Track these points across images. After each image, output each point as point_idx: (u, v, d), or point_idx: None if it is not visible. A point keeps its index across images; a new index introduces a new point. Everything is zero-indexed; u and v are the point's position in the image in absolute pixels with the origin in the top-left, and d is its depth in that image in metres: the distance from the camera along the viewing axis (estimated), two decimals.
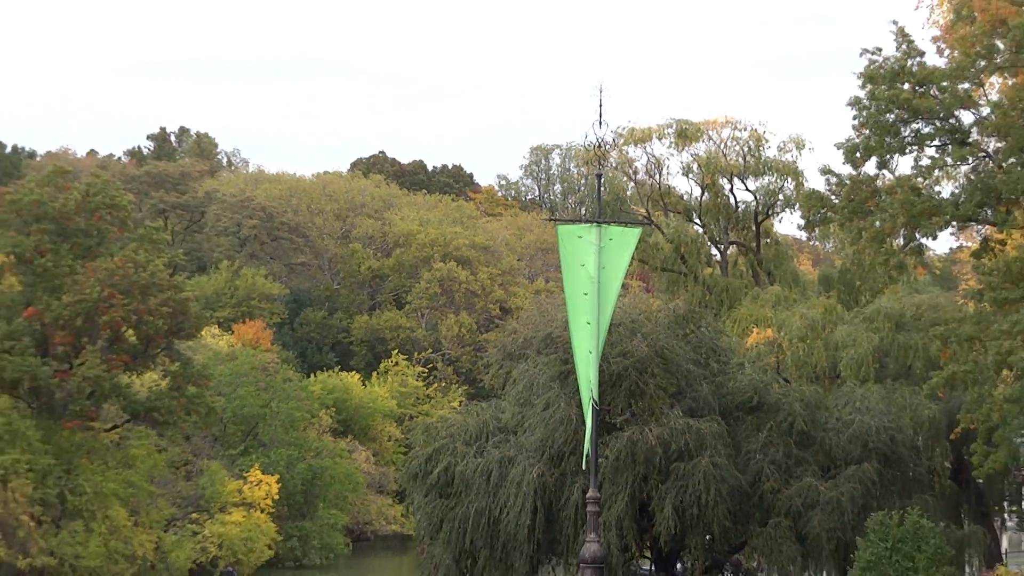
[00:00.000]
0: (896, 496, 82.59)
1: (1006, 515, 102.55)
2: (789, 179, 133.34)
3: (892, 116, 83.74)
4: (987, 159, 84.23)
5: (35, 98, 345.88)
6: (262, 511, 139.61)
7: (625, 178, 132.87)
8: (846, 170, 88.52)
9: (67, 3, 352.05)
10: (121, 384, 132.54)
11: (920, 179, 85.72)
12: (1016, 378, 77.24)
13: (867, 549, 74.71)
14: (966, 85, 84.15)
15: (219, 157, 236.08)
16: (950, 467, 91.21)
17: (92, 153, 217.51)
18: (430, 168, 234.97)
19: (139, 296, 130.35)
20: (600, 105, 74.76)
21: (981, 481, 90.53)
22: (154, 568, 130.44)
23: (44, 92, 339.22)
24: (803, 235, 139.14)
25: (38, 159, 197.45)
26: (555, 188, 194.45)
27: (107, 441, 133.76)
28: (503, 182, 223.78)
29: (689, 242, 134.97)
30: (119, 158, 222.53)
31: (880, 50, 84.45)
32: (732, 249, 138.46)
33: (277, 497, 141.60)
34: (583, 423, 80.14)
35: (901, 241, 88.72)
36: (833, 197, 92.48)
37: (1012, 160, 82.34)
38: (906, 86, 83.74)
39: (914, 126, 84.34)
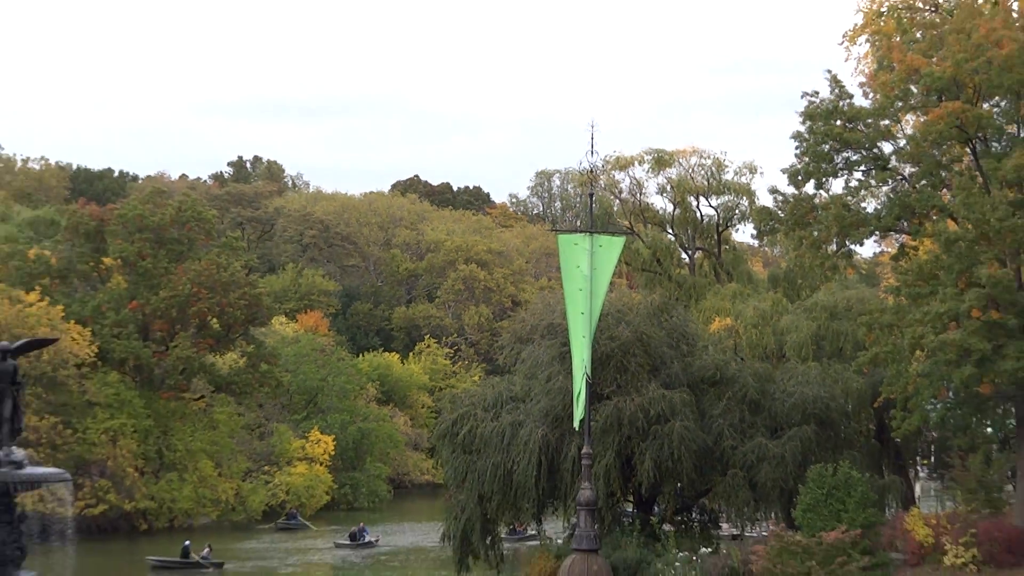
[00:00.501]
0: (830, 452, 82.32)
1: (918, 467, 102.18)
2: (744, 198, 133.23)
3: (827, 147, 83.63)
4: (903, 181, 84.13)
5: (138, 131, 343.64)
6: (320, 464, 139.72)
7: (612, 197, 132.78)
8: (790, 190, 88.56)
9: (163, 51, 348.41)
10: (207, 362, 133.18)
11: (849, 197, 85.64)
12: (927, 357, 76.93)
13: (807, 495, 74.48)
14: (886, 122, 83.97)
15: (285, 180, 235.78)
16: (873, 429, 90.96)
17: (183, 177, 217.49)
18: (455, 189, 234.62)
19: (221, 292, 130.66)
20: (591, 138, 74.20)
21: (899, 440, 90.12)
22: (234, 510, 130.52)
23: (145, 126, 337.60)
24: (755, 242, 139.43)
25: (140, 181, 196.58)
26: (556, 205, 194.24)
27: (196, 408, 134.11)
28: (514, 200, 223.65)
29: (663, 248, 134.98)
30: (205, 181, 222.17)
31: (817, 93, 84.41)
32: (698, 254, 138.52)
33: (332, 453, 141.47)
34: (579, 393, 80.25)
35: (834, 247, 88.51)
36: (779, 212, 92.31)
37: (923, 182, 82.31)
38: (838, 122, 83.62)
39: (844, 155, 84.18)
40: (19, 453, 49.52)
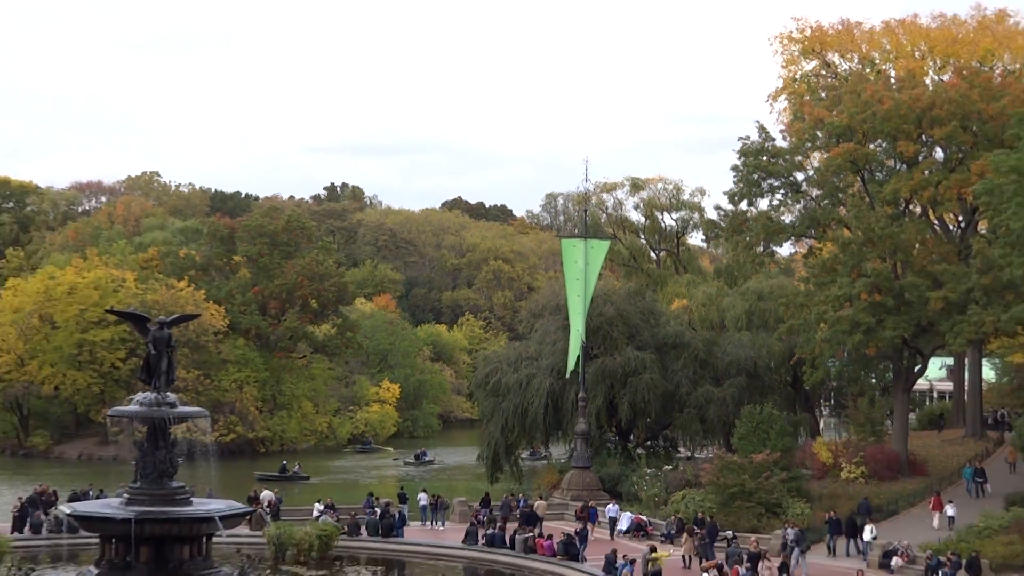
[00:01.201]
0: (758, 396, 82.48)
1: (822, 408, 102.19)
2: (696, 213, 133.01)
3: (756, 176, 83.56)
4: (811, 200, 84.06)
5: (260, 164, 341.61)
6: (389, 405, 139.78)
7: (600, 212, 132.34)
8: (729, 207, 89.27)
9: (278, 106, 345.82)
10: (308, 331, 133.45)
11: (772, 212, 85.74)
12: (828, 328, 76.88)
13: (741, 427, 74.75)
14: (799, 158, 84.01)
15: (365, 200, 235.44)
16: (789, 380, 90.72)
17: (291, 197, 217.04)
18: (487, 206, 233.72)
19: (318, 280, 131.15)
20: (585, 169, 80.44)
21: (807, 388, 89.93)
22: (327, 438, 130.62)
23: (265, 160, 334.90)
24: (704, 245, 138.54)
25: (260, 200, 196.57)
26: (560, 218, 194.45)
27: (299, 364, 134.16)
28: (529, 214, 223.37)
29: (637, 249, 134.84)
30: (307, 200, 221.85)
31: (749, 137, 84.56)
32: (663, 253, 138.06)
33: (398, 396, 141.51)
34: (576, 354, 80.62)
35: (761, 248, 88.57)
36: (721, 223, 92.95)
37: (825, 201, 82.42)
38: (764, 158, 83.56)
39: (768, 181, 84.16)
40: (172, 397, 50.18)
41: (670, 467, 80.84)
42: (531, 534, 60.66)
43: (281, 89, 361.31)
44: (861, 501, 65.48)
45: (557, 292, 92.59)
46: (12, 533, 59.18)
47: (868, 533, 58.94)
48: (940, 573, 53.92)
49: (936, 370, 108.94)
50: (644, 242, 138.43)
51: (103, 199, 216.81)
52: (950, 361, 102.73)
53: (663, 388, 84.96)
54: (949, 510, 65.34)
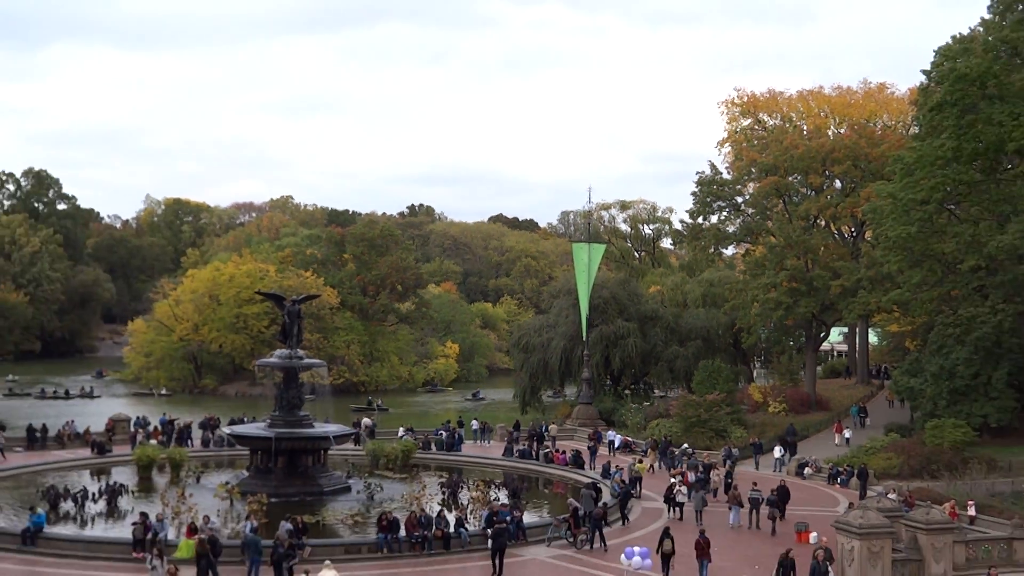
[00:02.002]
0: (710, 354, 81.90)
1: (755, 362, 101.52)
2: (666, 225, 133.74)
3: (709, 199, 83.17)
4: (748, 216, 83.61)
5: (362, 189, 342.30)
6: (451, 359, 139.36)
7: (599, 223, 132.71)
8: (690, 221, 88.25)
9: (376, 148, 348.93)
10: (395, 307, 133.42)
11: (720, 224, 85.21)
12: (759, 306, 76.62)
13: (698, 375, 74.49)
14: (739, 186, 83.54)
15: (435, 215, 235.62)
16: (732, 342, 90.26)
17: (384, 213, 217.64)
18: (520, 219, 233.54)
19: (402, 272, 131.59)
20: (589, 194, 77.07)
21: (745, 348, 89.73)
22: (408, 382, 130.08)
23: (365, 187, 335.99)
24: (672, 247, 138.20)
25: (362, 215, 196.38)
26: (571, 228, 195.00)
27: (389, 330, 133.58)
28: (549, 225, 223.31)
29: (625, 250, 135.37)
30: (395, 215, 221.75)
31: (704, 172, 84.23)
32: (643, 253, 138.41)
33: (457, 353, 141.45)
34: (582, 323, 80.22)
35: (712, 250, 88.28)
36: (684, 232, 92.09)
37: (758, 217, 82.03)
38: (714, 187, 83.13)
39: (718, 203, 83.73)
40: (300, 352, 50.61)
41: (648, 403, 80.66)
42: (547, 449, 61.06)
43: (378, 138, 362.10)
44: (788, 427, 65.25)
45: (569, 281, 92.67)
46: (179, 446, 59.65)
47: (778, 452, 58.79)
48: (839, 479, 53.99)
49: (835, 336, 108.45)
50: (629, 245, 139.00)
51: (253, 215, 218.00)
52: (845, 329, 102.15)
53: (643, 348, 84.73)
54: (847, 434, 65.51)
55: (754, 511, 43.48)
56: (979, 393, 58.96)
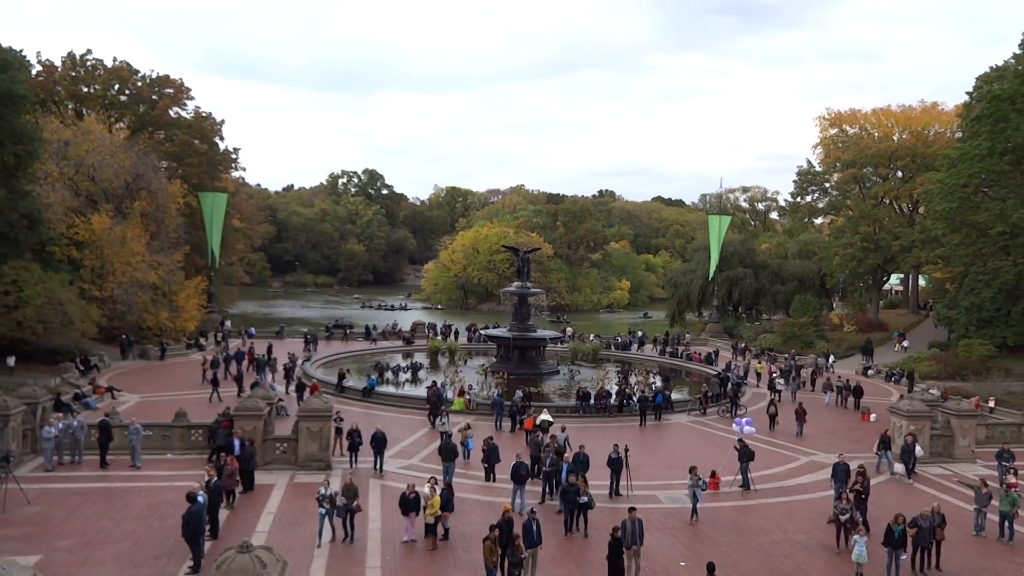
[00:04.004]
0: (802, 291, 77.86)
1: (835, 297, 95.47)
2: (774, 202, 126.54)
3: (805, 185, 79.23)
4: (833, 197, 78.77)
5: (568, 179, 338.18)
6: (624, 291, 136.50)
7: (727, 203, 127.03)
8: (791, 200, 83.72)
9: (575, 151, 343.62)
10: (589, 256, 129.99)
11: (812, 202, 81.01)
12: (840, 258, 72.49)
13: (794, 305, 70.72)
14: (827, 176, 78.78)
15: (616, 197, 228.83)
16: (819, 283, 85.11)
17: (582, 195, 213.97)
18: (672, 199, 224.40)
19: (594, 233, 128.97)
20: (720, 182, 73.87)
21: (829, 287, 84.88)
22: (596, 304, 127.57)
23: (571, 178, 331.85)
24: (778, 218, 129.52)
25: (568, 197, 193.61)
26: (708, 205, 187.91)
27: (585, 271, 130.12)
28: (693, 203, 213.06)
29: (744, 221, 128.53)
30: (588, 196, 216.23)
31: (802, 166, 80.00)
32: (757, 223, 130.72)
33: (629, 287, 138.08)
34: (713, 269, 77.34)
35: (806, 220, 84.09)
36: (786, 208, 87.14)
37: (840, 197, 77.15)
38: (809, 176, 78.94)
39: (811, 187, 79.43)
40: (528, 284, 50.94)
41: (758, 323, 78.10)
42: (687, 351, 59.95)
43: (578, 146, 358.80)
44: (867, 340, 61.55)
45: (705, 240, 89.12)
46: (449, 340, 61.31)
47: (862, 358, 56.06)
48: (893, 379, 50.97)
49: (894, 279, 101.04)
50: (748, 217, 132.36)
51: (499, 196, 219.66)
52: (901, 275, 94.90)
53: (755, 286, 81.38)
54: (905, 344, 61.84)
55: (839, 395, 42.74)
56: (1001, 321, 54.32)
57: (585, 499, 21.39)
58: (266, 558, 11.13)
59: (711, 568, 16.80)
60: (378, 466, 26.40)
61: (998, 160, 51.90)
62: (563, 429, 29.17)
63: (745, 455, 26.12)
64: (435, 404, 34.78)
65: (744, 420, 30.02)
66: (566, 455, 25.15)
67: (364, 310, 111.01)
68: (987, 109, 51.23)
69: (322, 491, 20.10)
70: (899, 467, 28.62)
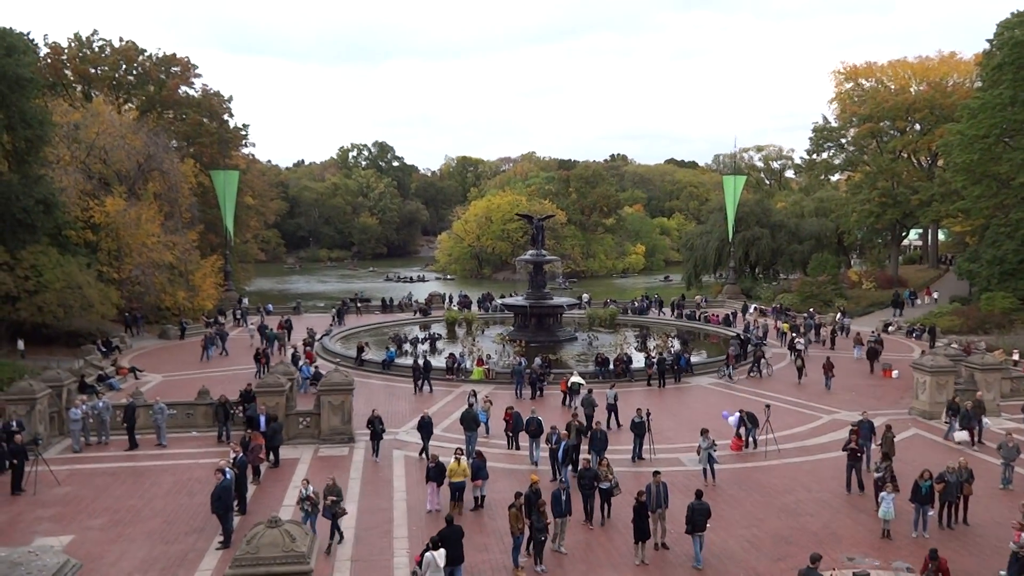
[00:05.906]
0: (820, 250, 77.36)
1: (853, 254, 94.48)
2: (789, 160, 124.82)
3: (821, 141, 77.53)
4: (850, 152, 77.33)
5: (580, 144, 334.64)
6: (639, 256, 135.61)
7: (741, 162, 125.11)
8: (807, 157, 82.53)
9: (588, 118, 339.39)
10: (603, 222, 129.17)
11: (829, 158, 79.52)
12: (857, 215, 71.50)
13: (812, 263, 70.73)
14: (843, 131, 77.30)
15: (629, 160, 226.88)
16: (836, 241, 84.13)
17: (594, 160, 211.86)
18: (685, 161, 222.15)
19: (607, 198, 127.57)
20: (735, 142, 72.52)
21: (846, 244, 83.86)
22: (611, 270, 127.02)
23: (583, 142, 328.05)
24: (793, 176, 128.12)
25: (580, 162, 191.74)
26: (722, 166, 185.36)
27: (599, 237, 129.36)
28: (707, 165, 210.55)
29: (760, 180, 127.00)
30: (600, 161, 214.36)
31: (818, 122, 78.47)
32: (772, 182, 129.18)
33: (644, 251, 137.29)
34: (729, 230, 76.73)
35: (823, 177, 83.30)
36: (802, 165, 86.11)
37: (856, 152, 75.91)
38: (825, 131, 77.57)
39: (827, 143, 77.91)
40: (543, 252, 50.59)
41: (775, 283, 77.53)
42: (704, 312, 59.74)
43: (589, 110, 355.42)
44: (895, 293, 61.21)
45: (720, 201, 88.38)
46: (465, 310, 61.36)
47: (892, 312, 56.04)
48: (914, 334, 50.54)
49: (913, 235, 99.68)
50: (763, 176, 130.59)
51: (511, 164, 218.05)
52: (920, 230, 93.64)
53: (772, 246, 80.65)
54: (935, 295, 61.67)
55: (869, 351, 42.41)
56: (1023, 274, 53.51)
57: (607, 485, 19.66)
58: (295, 532, 11.29)
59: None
60: (425, 453, 24.59)
61: (1021, 108, 50.67)
62: (612, 387, 31.33)
63: (751, 421, 26.31)
64: (418, 370, 35.29)
65: (725, 413, 28.43)
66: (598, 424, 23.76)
67: (378, 283, 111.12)
68: (1009, 56, 50.01)
69: (303, 491, 18.30)
70: (961, 434, 26.64)
